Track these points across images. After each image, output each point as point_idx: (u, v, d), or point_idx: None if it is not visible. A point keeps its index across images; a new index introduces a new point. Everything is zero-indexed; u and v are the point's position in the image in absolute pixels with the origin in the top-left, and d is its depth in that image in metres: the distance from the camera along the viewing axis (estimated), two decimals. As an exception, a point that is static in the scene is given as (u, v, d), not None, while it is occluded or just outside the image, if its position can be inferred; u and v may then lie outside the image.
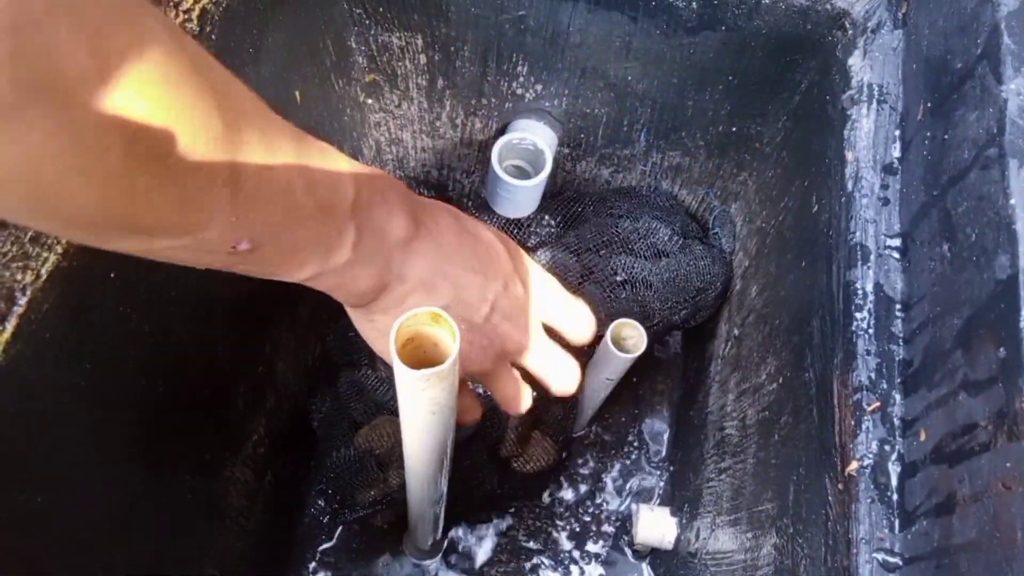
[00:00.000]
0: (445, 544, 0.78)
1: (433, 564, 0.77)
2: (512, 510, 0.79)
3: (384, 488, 0.70)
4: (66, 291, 0.37)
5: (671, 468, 0.80)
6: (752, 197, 0.70)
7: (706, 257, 0.73)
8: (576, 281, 0.72)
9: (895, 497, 0.39)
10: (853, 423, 0.41)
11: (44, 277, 0.36)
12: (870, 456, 0.40)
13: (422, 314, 0.39)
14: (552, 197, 0.76)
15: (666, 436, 0.83)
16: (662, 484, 0.80)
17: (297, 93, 0.59)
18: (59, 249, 0.36)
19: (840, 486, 0.41)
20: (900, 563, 0.37)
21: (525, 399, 0.49)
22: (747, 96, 0.62)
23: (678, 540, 0.71)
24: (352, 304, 0.42)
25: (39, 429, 0.39)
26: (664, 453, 0.82)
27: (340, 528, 0.79)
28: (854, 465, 0.40)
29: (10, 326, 0.34)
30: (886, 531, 0.38)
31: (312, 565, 0.77)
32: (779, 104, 0.62)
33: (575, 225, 0.75)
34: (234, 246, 0.30)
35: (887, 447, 0.40)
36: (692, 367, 0.82)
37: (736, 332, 0.68)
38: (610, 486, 0.81)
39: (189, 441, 0.54)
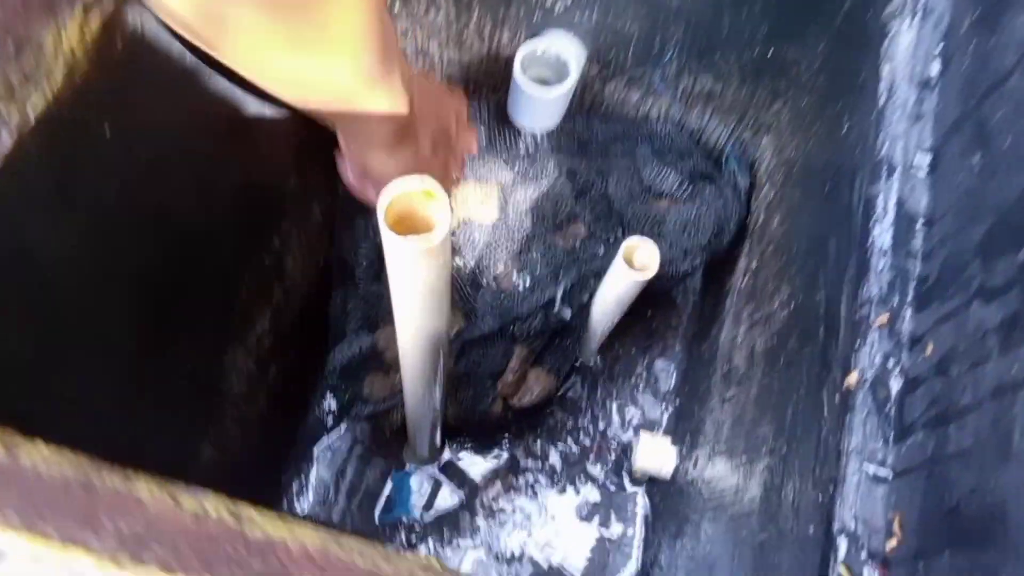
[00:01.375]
0: (444, 456, 0.79)
1: (431, 471, 0.78)
2: (514, 431, 0.80)
3: (392, 387, 0.70)
4: (56, 138, 0.37)
5: (677, 401, 0.80)
6: (784, 128, 0.68)
7: (718, 199, 0.71)
8: (585, 234, 0.71)
9: (893, 411, 0.38)
10: (858, 337, 0.40)
11: (32, 123, 0.35)
12: (872, 370, 0.39)
13: (414, 190, 0.38)
14: (563, 126, 0.75)
15: (675, 370, 0.82)
16: (667, 416, 0.80)
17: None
18: (48, 93, 0.35)
19: (837, 398, 0.40)
20: (890, 476, 0.36)
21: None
22: (786, 16, 0.60)
23: (676, 470, 0.71)
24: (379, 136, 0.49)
25: (33, 274, 0.39)
26: (672, 386, 0.81)
27: (345, 430, 0.80)
28: (854, 376, 0.39)
29: None
30: (880, 443, 0.37)
31: (314, 465, 0.79)
32: (819, 26, 0.59)
33: (580, 169, 0.73)
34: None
35: (891, 361, 0.39)
36: (708, 303, 0.81)
37: (754, 264, 0.67)
38: (615, 415, 0.80)
39: (188, 318, 0.55)
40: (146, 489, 0.28)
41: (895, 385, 0.38)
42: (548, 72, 0.65)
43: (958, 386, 0.33)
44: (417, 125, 0.54)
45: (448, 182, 0.63)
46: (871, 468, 0.37)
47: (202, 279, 0.55)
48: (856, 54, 0.51)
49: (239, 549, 0.27)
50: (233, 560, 0.27)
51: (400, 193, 0.37)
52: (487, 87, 0.79)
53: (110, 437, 0.51)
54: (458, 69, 0.79)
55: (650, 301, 0.82)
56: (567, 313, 0.72)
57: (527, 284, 0.70)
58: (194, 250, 0.53)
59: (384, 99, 0.45)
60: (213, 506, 0.29)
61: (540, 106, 0.62)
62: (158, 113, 0.44)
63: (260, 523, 0.28)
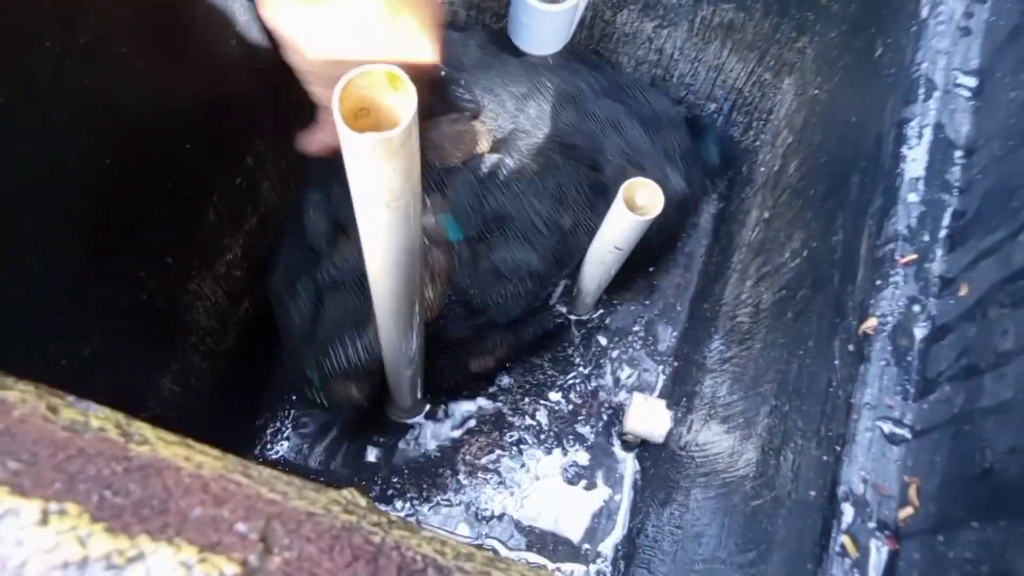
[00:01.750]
0: (427, 407, 0.74)
1: (413, 422, 0.74)
2: (503, 384, 0.75)
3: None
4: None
5: (675, 363, 0.75)
6: (808, 66, 0.61)
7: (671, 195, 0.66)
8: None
9: (915, 362, 0.32)
10: (879, 277, 0.34)
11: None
12: (894, 315, 0.33)
13: (376, 75, 0.33)
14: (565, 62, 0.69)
15: (675, 330, 0.77)
16: (663, 379, 0.75)
17: None
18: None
19: (851, 347, 0.34)
20: (909, 435, 0.31)
21: None
22: (821, -67, 0.54)
23: (670, 434, 0.66)
24: None
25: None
26: (670, 347, 0.76)
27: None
28: (872, 322, 0.33)
29: None
30: (898, 399, 0.32)
31: (291, 410, 0.74)
32: (857, -55, 0.53)
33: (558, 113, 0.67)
34: None
35: (916, 306, 0.33)
36: (714, 260, 0.75)
37: (766, 215, 0.61)
38: (608, 375, 0.75)
39: (145, 235, 0.50)
40: (17, 392, 0.24)
41: (920, 332, 0.33)
42: (553, -10, 0.59)
43: (997, 330, 0.28)
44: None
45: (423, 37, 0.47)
46: (886, 426, 0.32)
47: (161, 191, 0.50)
48: (897, -32, 0.45)
49: (116, 469, 0.22)
50: (105, 482, 0.22)
51: (358, 75, 0.32)
52: (490, 12, 0.73)
53: (49, 360, 0.46)
54: (460, -7, 0.73)
55: (654, 255, 0.77)
56: (561, 310, 0.68)
57: (511, 269, 0.63)
58: (152, 156, 0.48)
59: None
60: (99, 419, 0.24)
61: (546, 24, 0.56)
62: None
63: (152, 442, 0.24)
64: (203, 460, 0.24)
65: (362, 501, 0.25)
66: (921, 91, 0.37)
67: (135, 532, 0.21)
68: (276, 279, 0.65)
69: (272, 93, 0.58)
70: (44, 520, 0.21)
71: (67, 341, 0.47)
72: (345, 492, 0.25)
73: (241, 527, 0.22)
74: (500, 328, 0.67)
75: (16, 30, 0.35)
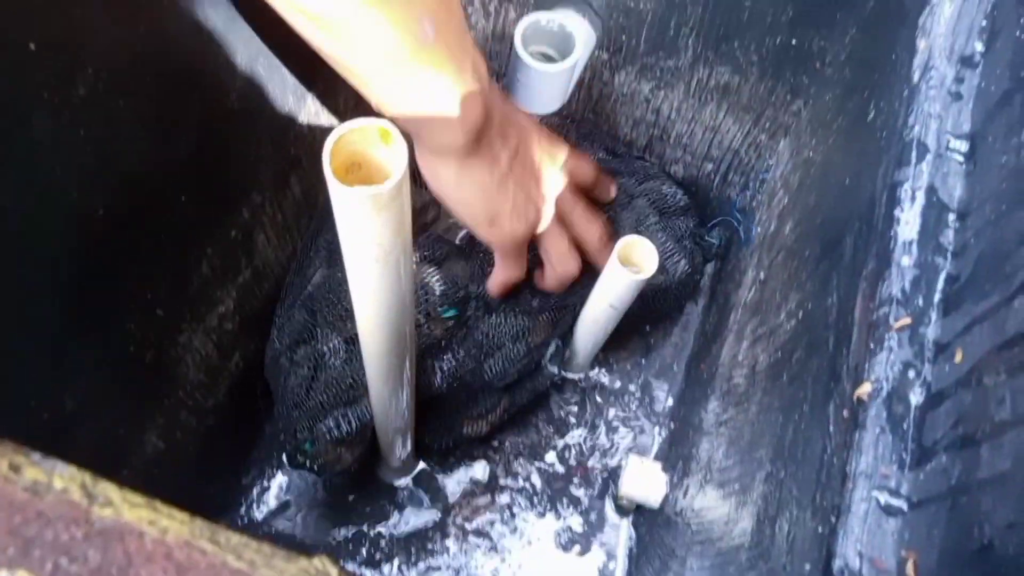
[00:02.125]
0: (418, 467, 0.73)
1: (403, 483, 0.72)
2: (496, 444, 0.73)
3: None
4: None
5: (672, 425, 0.73)
6: (803, 128, 0.62)
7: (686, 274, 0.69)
8: None
9: (911, 430, 0.31)
10: (873, 341, 0.34)
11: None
12: (888, 380, 0.32)
13: (368, 130, 0.33)
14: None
15: (672, 391, 0.75)
16: (659, 441, 0.73)
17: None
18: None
19: (845, 413, 0.33)
20: (905, 507, 0.30)
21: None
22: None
23: (666, 499, 0.64)
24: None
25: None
26: (667, 408, 0.75)
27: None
28: (866, 387, 0.33)
29: None
30: (893, 468, 0.31)
31: (278, 470, 0.73)
32: (850, 11, 0.54)
33: None
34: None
35: (911, 372, 0.32)
36: (711, 321, 0.74)
37: (762, 275, 0.61)
38: (603, 436, 0.74)
39: (136, 286, 0.49)
40: (-23, 450, 0.23)
41: (915, 399, 0.32)
42: (552, 49, 0.60)
43: (993, 398, 0.27)
44: (494, 135, 0.48)
45: (533, 221, 0.55)
46: (882, 496, 0.30)
47: (155, 243, 0.50)
48: (889, 34, 0.46)
49: (75, 534, 0.21)
50: (63, 548, 0.21)
51: (349, 131, 0.32)
52: (489, 71, 0.74)
53: (31, 413, 0.45)
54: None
55: (649, 315, 0.76)
56: (554, 371, 0.67)
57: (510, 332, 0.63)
58: (147, 207, 0.48)
59: (446, 72, 0.41)
60: (63, 479, 0.23)
61: (544, 83, 0.57)
62: (105, 32, 0.40)
63: (116, 504, 0.23)
64: (168, 525, 0.23)
65: (333, 571, 0.24)
66: (913, 154, 0.37)
67: (88, 602, 0.20)
68: (275, 341, 0.64)
69: (271, 147, 0.59)
70: (-8, 587, 0.20)
71: (51, 394, 0.46)
72: (316, 561, 0.24)
73: (201, 598, 0.21)
74: (494, 391, 0.66)
75: (15, 82, 0.36)
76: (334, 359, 0.61)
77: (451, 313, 0.61)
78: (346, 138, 0.32)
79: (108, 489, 0.24)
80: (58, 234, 0.42)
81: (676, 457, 0.67)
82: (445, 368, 0.62)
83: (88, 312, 0.46)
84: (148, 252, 0.50)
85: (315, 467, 0.61)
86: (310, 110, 0.62)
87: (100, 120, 0.41)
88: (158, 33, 0.43)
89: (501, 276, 0.60)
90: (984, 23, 0.40)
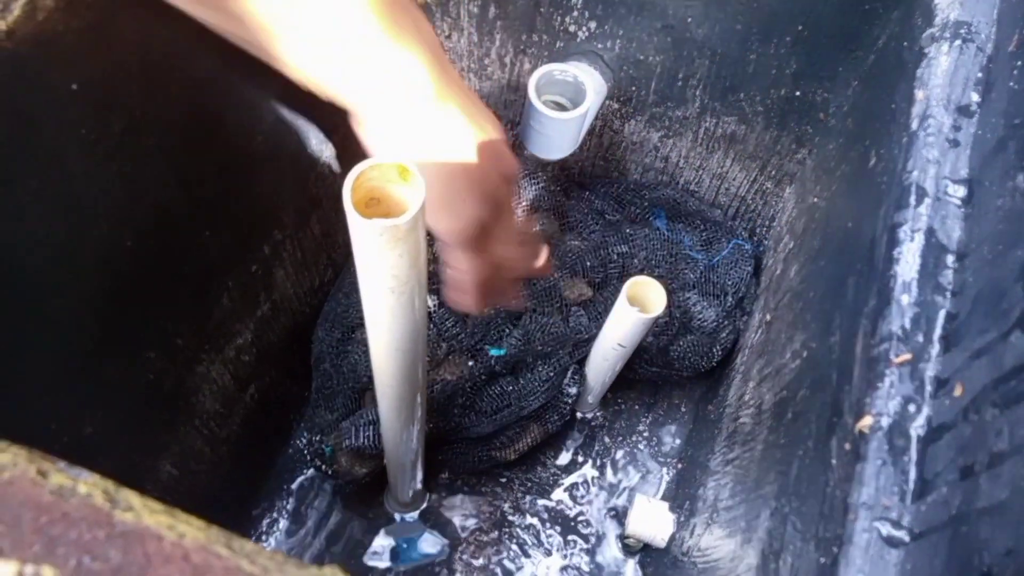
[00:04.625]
0: (426, 502, 0.73)
1: (411, 518, 0.72)
2: (504, 481, 0.74)
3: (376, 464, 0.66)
4: (9, 88, 0.34)
5: (679, 465, 0.73)
6: (808, 176, 0.63)
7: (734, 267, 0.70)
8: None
9: (912, 463, 0.32)
10: (874, 376, 0.34)
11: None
12: (889, 414, 0.33)
13: (387, 167, 0.34)
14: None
15: (680, 431, 0.76)
16: (667, 481, 0.73)
17: None
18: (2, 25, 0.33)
19: (847, 446, 0.34)
20: (907, 539, 0.30)
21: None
22: (817, 53, 0.57)
23: (672, 538, 0.64)
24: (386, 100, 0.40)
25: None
26: (674, 448, 0.75)
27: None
28: (867, 421, 0.33)
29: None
30: (895, 500, 0.31)
31: (289, 500, 0.73)
32: (851, 65, 0.56)
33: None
34: None
35: (911, 407, 0.33)
36: (719, 362, 0.75)
37: (768, 317, 0.62)
38: (611, 475, 0.74)
39: (158, 316, 0.51)
40: (9, 455, 0.24)
41: (916, 433, 0.33)
42: (564, 99, 0.62)
43: (991, 430, 0.28)
44: (483, 172, 0.42)
45: (529, 264, 0.51)
46: (884, 528, 0.31)
47: (178, 276, 0.52)
48: (889, 85, 0.48)
49: (97, 535, 0.22)
50: (85, 547, 0.22)
51: (369, 167, 0.34)
52: (506, 119, 0.76)
53: (51, 438, 0.47)
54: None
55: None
56: (573, 390, 0.68)
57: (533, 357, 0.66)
58: (172, 241, 0.50)
59: (389, 34, 0.37)
60: (87, 485, 0.24)
61: (556, 130, 0.59)
62: (138, 75, 0.42)
63: (137, 510, 0.24)
64: (186, 530, 0.24)
65: (344, 580, 0.25)
66: (912, 198, 0.38)
67: (110, 598, 0.21)
68: (323, 334, 0.68)
69: (293, 187, 0.61)
70: (20, 581, 0.20)
71: (70, 418, 0.47)
72: (327, 570, 0.25)
73: (218, 599, 0.22)
74: (522, 419, 0.67)
75: (57, 119, 0.38)
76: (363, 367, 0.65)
77: (499, 353, 0.63)
78: (366, 174, 0.34)
79: (129, 496, 0.25)
80: (87, 264, 0.44)
81: (683, 497, 0.67)
82: (486, 407, 0.65)
83: (111, 340, 0.48)
84: (172, 284, 0.52)
85: (330, 471, 0.65)
86: (332, 153, 0.64)
87: (131, 157, 0.43)
88: (189, 78, 0.46)
89: (465, 285, 0.48)
90: (980, 75, 0.41)
